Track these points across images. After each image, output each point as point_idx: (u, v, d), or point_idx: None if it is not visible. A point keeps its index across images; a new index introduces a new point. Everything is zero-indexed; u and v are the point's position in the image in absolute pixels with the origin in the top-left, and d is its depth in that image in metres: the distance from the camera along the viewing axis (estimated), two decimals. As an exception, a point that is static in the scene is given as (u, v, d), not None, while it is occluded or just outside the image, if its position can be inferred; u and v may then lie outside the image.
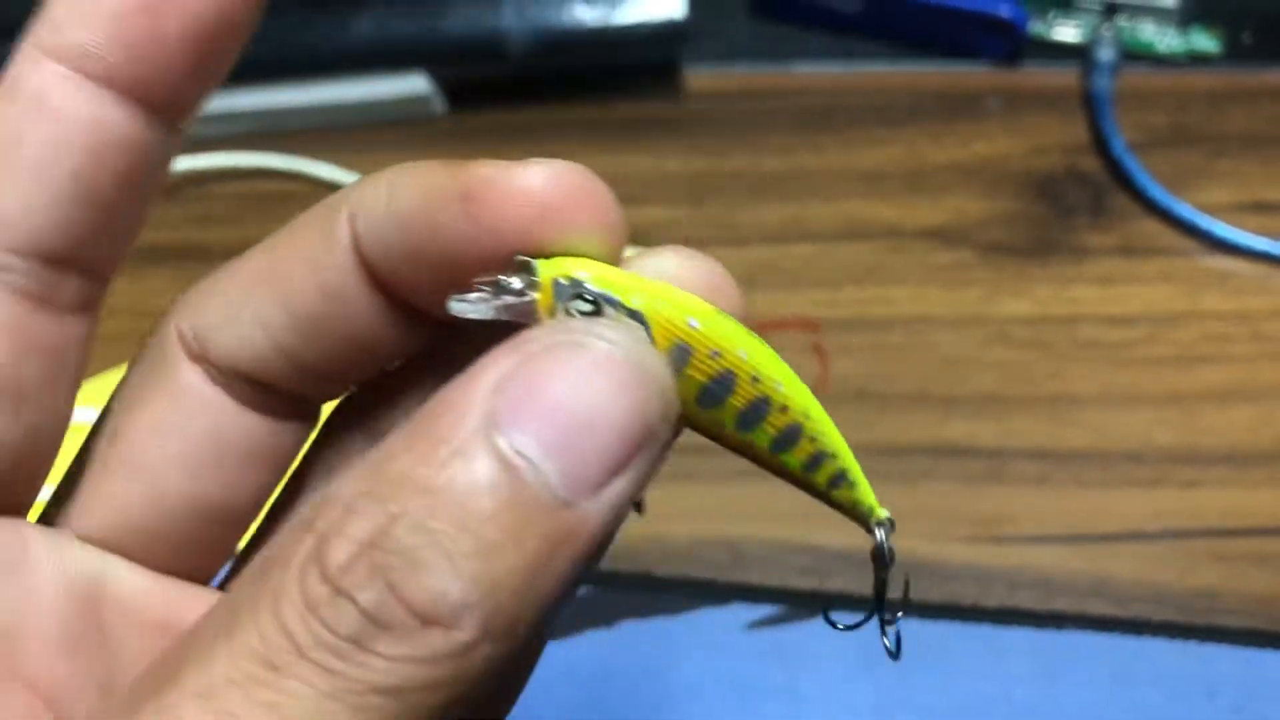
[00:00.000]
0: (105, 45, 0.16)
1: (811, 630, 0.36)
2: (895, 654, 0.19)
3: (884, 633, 0.19)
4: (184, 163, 0.47)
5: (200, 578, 0.20)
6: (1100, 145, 0.47)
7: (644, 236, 0.45)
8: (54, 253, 0.17)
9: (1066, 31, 0.51)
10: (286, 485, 0.21)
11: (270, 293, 0.19)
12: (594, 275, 0.16)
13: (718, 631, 0.36)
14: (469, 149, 0.49)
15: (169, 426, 0.19)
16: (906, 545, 0.37)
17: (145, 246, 0.46)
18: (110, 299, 0.49)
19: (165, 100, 0.17)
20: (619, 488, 0.14)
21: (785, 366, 0.17)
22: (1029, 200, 0.46)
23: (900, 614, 0.19)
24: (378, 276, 0.18)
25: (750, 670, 0.35)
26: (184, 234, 0.47)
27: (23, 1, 0.19)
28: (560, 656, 0.35)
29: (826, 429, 0.18)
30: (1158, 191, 0.45)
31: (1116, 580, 0.36)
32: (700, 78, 0.50)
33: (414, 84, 0.49)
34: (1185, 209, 0.44)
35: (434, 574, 0.13)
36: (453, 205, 0.17)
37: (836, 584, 0.37)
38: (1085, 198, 0.46)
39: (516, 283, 0.17)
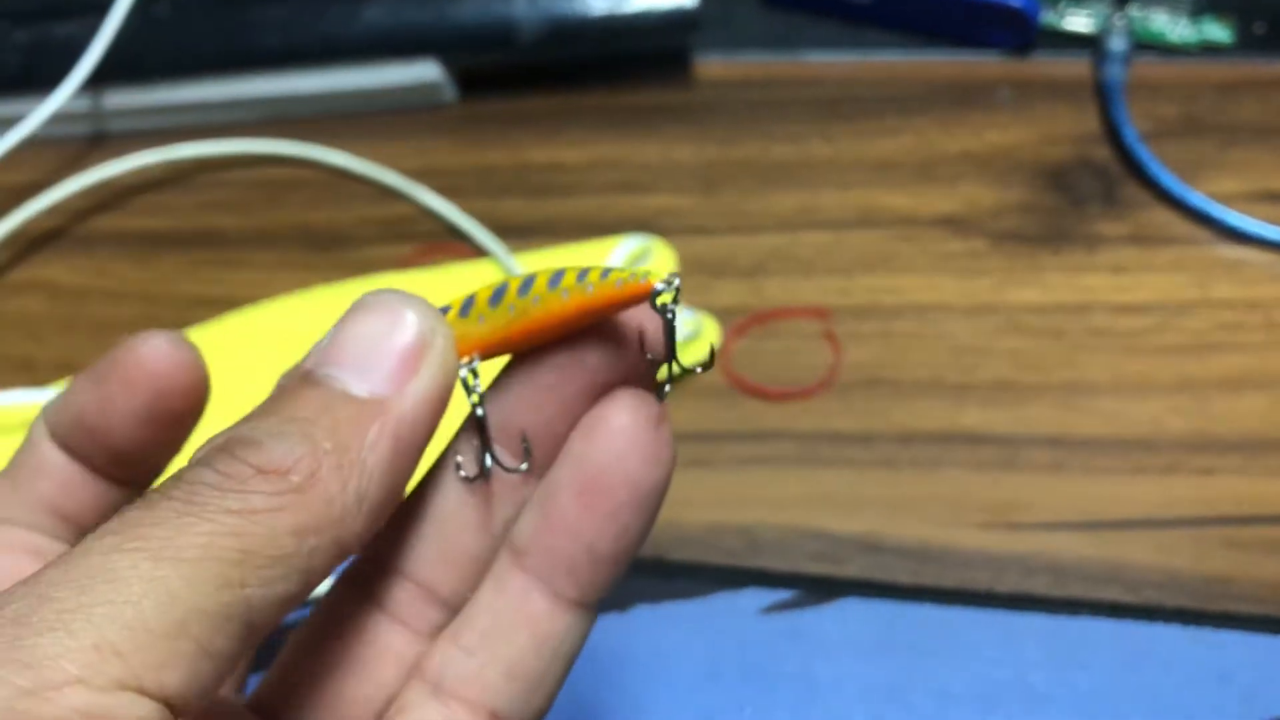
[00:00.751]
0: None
1: (826, 615, 0.36)
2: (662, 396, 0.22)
3: (667, 388, 0.21)
4: (195, 149, 0.47)
5: None
6: (1112, 135, 0.47)
7: (654, 224, 0.45)
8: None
9: (1078, 21, 0.51)
10: None
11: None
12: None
13: (732, 616, 0.36)
14: (479, 136, 0.49)
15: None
16: (921, 532, 0.37)
17: (157, 232, 0.47)
18: (121, 285, 0.49)
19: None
20: (419, 384, 0.20)
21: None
22: (1041, 189, 0.46)
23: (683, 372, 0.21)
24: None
25: (765, 655, 0.35)
26: (195, 220, 0.47)
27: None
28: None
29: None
30: (1170, 181, 0.45)
31: (1130, 567, 0.36)
32: (711, 66, 0.50)
33: (425, 71, 0.49)
34: (1197, 198, 0.44)
35: (266, 443, 0.19)
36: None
37: (850, 569, 0.37)
38: (1097, 187, 0.46)
39: None
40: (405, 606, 0.22)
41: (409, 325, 0.20)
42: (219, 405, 0.25)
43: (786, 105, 0.49)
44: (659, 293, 0.19)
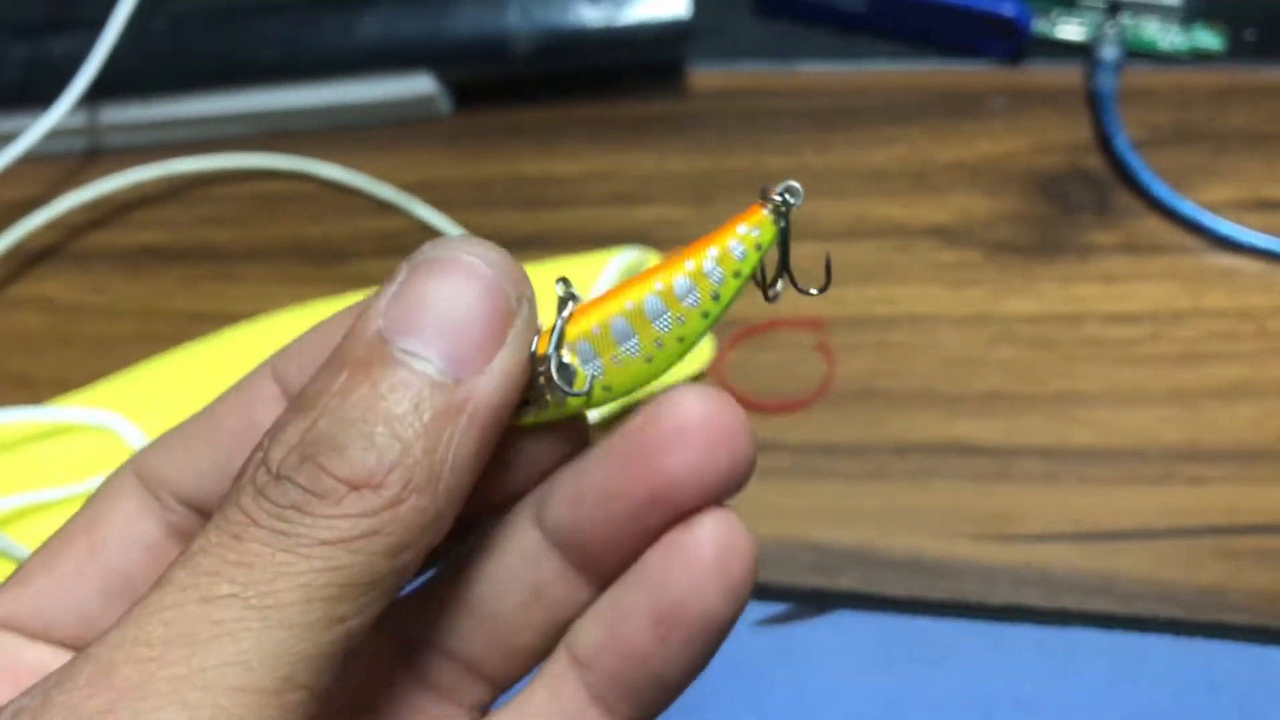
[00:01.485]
0: None
1: (820, 629, 0.36)
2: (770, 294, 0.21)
3: (787, 283, 0.21)
4: (191, 164, 0.47)
5: None
6: (1104, 143, 0.47)
7: (649, 235, 0.45)
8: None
9: (1070, 29, 0.51)
10: None
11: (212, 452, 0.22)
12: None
13: (726, 630, 0.36)
14: (475, 148, 0.49)
15: (110, 555, 0.22)
16: (914, 543, 0.38)
17: (153, 247, 0.47)
18: (119, 300, 0.49)
19: None
20: (503, 361, 0.18)
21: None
22: (1033, 199, 0.46)
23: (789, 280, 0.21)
24: None
25: (759, 668, 0.35)
26: (191, 235, 0.47)
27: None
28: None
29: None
30: (1161, 189, 0.45)
31: (1122, 578, 0.37)
32: (705, 77, 0.51)
33: (420, 84, 0.49)
34: (1189, 207, 0.44)
35: (353, 450, 0.17)
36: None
37: (844, 581, 0.37)
38: (1089, 196, 0.46)
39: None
40: (450, 681, 0.21)
41: (495, 288, 0.18)
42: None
43: (780, 115, 0.49)
44: (777, 204, 0.19)
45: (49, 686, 0.16)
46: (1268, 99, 0.48)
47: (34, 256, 0.47)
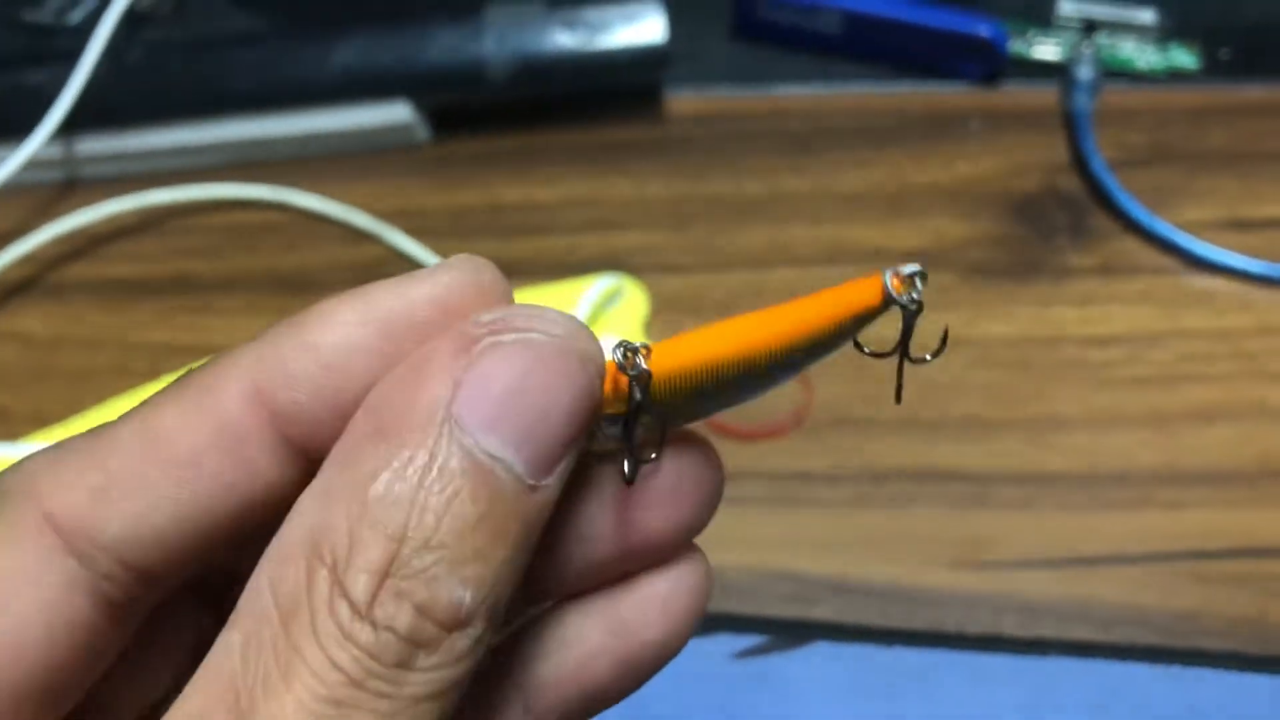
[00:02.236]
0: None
1: (797, 660, 0.36)
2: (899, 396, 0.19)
3: (900, 378, 0.19)
4: (167, 194, 0.47)
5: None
6: (1080, 164, 0.47)
7: (626, 262, 0.45)
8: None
9: (1046, 50, 0.51)
10: None
11: (160, 475, 0.17)
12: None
13: (704, 661, 0.36)
14: (452, 176, 0.49)
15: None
16: (891, 571, 0.37)
17: (129, 279, 0.47)
18: (95, 332, 0.49)
19: None
20: (569, 461, 0.16)
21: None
22: (1010, 221, 0.46)
23: (929, 357, 0.19)
24: (290, 431, 0.17)
25: (738, 700, 0.35)
26: (168, 266, 0.47)
27: None
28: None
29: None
30: (1138, 210, 0.45)
31: (1100, 604, 0.36)
32: (681, 101, 0.51)
33: (396, 112, 0.49)
34: (1165, 227, 0.45)
35: (447, 586, 0.15)
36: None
37: (821, 611, 0.37)
38: (1066, 218, 0.46)
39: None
40: None
41: (586, 383, 0.16)
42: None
43: (757, 139, 0.49)
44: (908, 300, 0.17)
45: None
46: (1243, 118, 0.48)
47: (9, 290, 0.46)
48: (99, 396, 0.42)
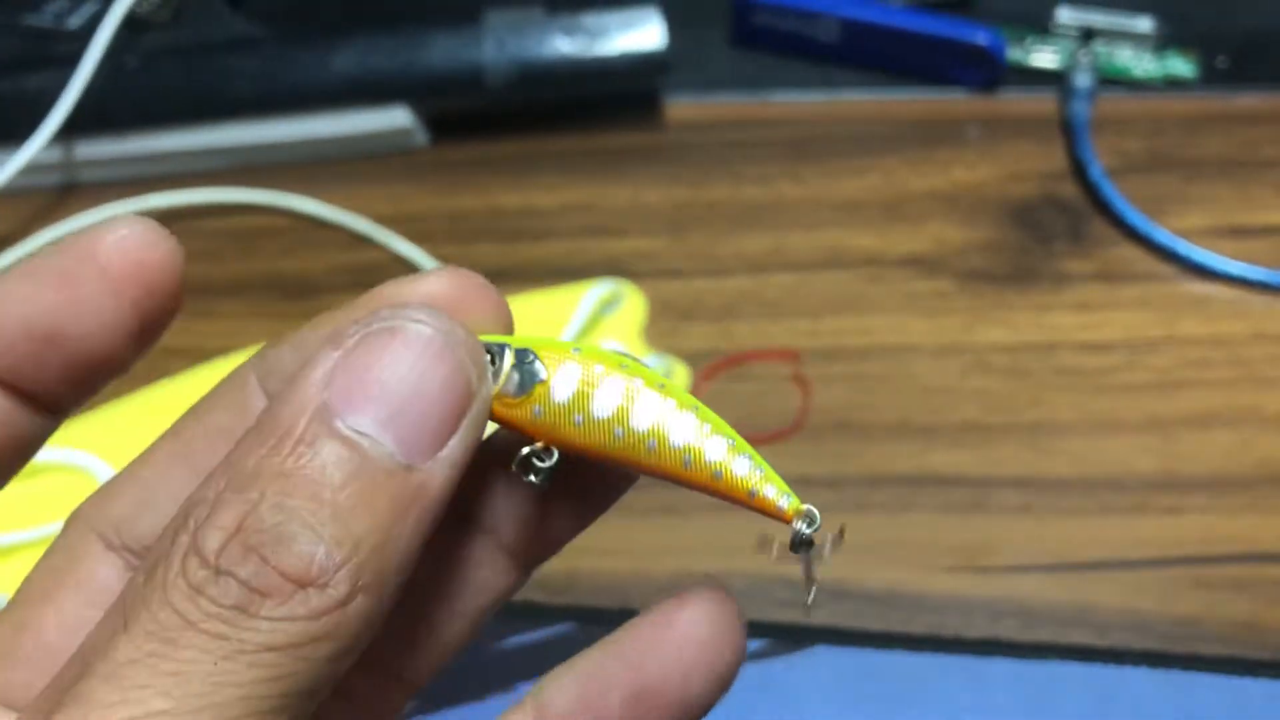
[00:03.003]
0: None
1: (796, 665, 0.36)
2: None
3: (808, 605, 0.20)
4: (166, 198, 0.47)
5: None
6: (1078, 171, 0.47)
7: (625, 267, 0.45)
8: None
9: (1044, 57, 0.51)
10: None
11: (185, 473, 0.19)
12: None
13: (702, 666, 0.36)
14: (451, 181, 0.49)
15: (78, 621, 0.19)
16: (890, 576, 0.37)
17: (128, 284, 0.47)
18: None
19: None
20: (454, 447, 0.17)
21: (666, 380, 0.19)
22: (1007, 227, 0.46)
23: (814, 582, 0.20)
24: None
25: (736, 705, 0.35)
26: (166, 270, 0.47)
27: None
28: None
29: (716, 420, 0.19)
30: (1135, 217, 0.45)
31: (1098, 609, 0.36)
32: (680, 108, 0.51)
33: (395, 117, 0.49)
34: (1162, 234, 0.45)
35: (300, 542, 0.15)
36: None
37: (819, 616, 0.37)
38: (1063, 224, 0.46)
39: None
40: (368, 691, 0.20)
41: (456, 367, 0.17)
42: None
43: (756, 146, 0.49)
44: (799, 535, 0.18)
45: None
46: (1240, 126, 0.49)
47: (8, 293, 0.46)
48: (94, 401, 0.42)
